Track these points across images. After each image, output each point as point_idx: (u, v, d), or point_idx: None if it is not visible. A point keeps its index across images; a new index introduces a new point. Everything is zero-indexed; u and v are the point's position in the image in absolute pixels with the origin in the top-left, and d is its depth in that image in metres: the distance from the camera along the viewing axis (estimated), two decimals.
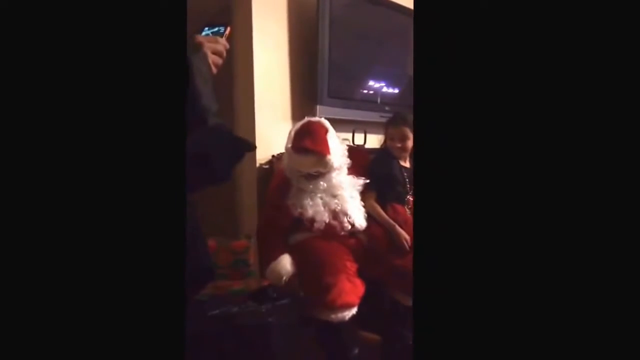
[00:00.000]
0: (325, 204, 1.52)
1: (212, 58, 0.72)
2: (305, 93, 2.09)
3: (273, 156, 1.92)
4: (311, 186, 1.53)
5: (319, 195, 1.53)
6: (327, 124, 1.58)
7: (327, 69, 2.04)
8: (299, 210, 1.51)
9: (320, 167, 1.51)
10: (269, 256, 1.52)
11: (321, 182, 1.53)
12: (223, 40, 0.76)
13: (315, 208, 1.51)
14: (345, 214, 1.53)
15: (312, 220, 1.51)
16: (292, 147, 1.51)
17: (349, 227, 1.54)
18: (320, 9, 1.97)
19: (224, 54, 0.75)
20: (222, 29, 0.78)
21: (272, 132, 1.94)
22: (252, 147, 0.81)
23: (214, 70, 0.73)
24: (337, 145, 1.55)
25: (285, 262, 1.49)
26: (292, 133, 1.55)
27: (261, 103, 1.95)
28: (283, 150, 1.65)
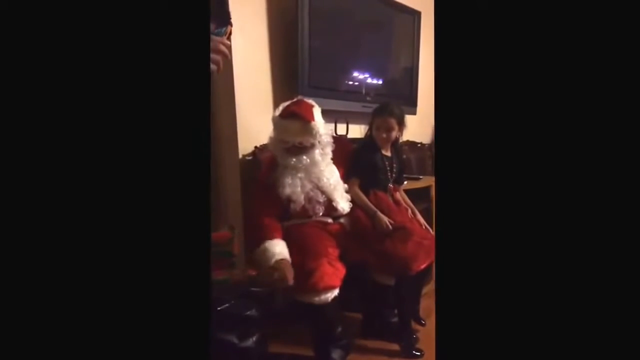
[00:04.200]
0: (302, 187, 1.55)
1: (211, 58, 0.79)
2: (286, 83, 2.09)
3: (256, 147, 1.91)
4: (294, 160, 1.55)
5: (299, 175, 1.55)
6: (314, 103, 1.64)
7: (308, 58, 2.03)
8: (280, 189, 1.54)
9: (305, 134, 1.53)
10: (263, 238, 1.49)
11: (304, 157, 1.55)
12: (222, 39, 0.83)
13: (293, 188, 1.54)
14: (318, 202, 1.57)
15: (289, 200, 1.55)
16: (280, 114, 1.56)
17: (320, 213, 1.59)
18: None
19: (225, 50, 0.83)
20: (223, 30, 0.86)
21: (254, 123, 1.92)
22: None
23: (214, 68, 0.81)
24: (322, 121, 1.59)
25: (281, 245, 1.47)
26: (281, 107, 1.59)
27: (242, 94, 1.93)
28: (266, 141, 1.68)
